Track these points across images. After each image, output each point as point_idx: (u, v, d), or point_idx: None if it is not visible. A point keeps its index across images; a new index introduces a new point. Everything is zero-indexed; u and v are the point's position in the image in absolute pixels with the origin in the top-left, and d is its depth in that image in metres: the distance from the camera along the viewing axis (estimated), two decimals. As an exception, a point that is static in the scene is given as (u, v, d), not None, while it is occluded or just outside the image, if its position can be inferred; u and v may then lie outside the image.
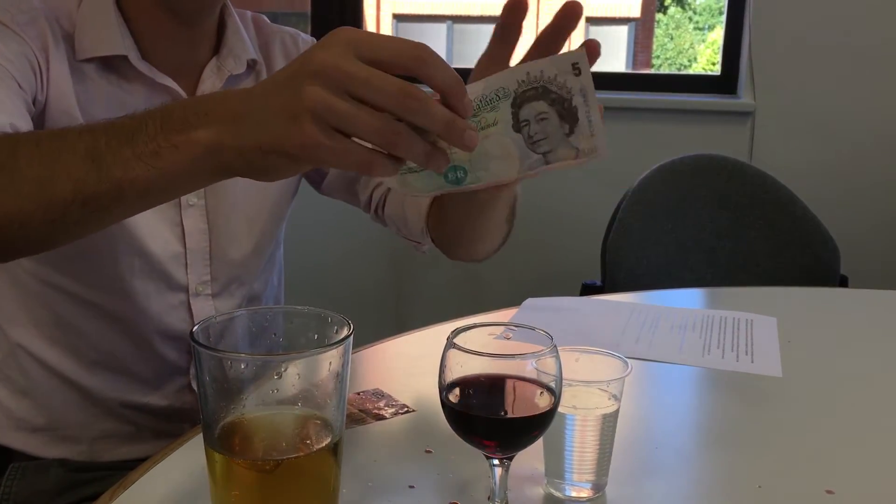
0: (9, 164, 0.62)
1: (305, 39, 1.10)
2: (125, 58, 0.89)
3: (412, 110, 0.52)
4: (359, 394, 0.86)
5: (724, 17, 2.27)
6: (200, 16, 0.93)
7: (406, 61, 0.53)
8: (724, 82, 2.28)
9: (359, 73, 0.52)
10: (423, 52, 0.53)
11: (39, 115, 0.86)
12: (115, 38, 0.89)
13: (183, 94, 0.93)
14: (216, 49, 0.98)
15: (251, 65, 1.00)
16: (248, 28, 1.04)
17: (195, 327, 0.53)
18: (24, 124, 0.78)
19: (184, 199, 0.95)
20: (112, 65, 0.90)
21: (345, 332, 0.54)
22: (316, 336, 0.56)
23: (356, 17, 2.44)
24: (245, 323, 0.57)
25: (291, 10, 10.53)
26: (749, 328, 1.09)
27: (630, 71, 10.23)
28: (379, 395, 0.86)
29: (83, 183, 0.60)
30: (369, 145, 0.54)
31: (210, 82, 0.96)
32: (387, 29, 11.02)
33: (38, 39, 0.85)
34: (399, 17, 11.17)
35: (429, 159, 0.55)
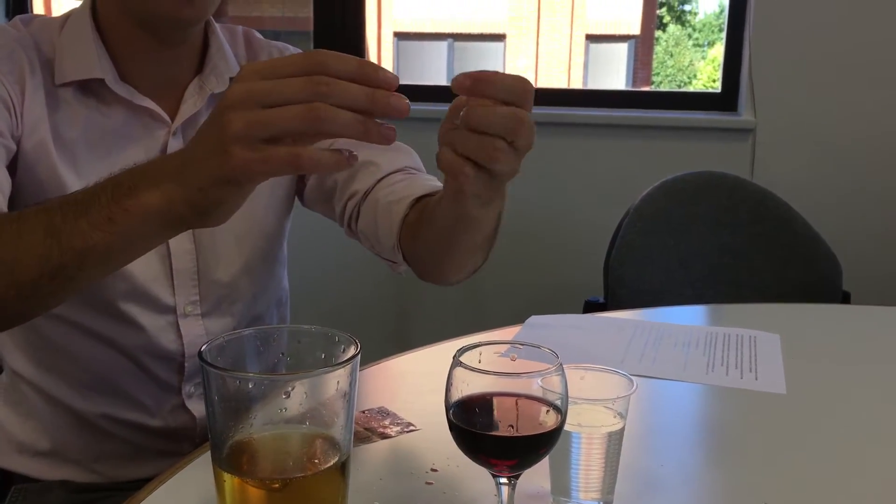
0: None
1: (293, 52, 1.08)
2: (103, 81, 0.90)
3: (327, 94, 0.55)
4: (364, 412, 0.86)
5: (723, 34, 2.28)
6: (180, 35, 0.93)
7: (307, 68, 0.56)
8: (725, 99, 2.30)
9: (265, 86, 0.56)
10: (318, 55, 0.56)
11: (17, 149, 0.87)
12: (93, 62, 0.89)
13: (163, 114, 0.93)
14: (200, 68, 0.97)
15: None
16: (237, 44, 1.04)
17: (204, 346, 0.53)
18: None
19: None
20: (90, 88, 0.91)
21: (352, 351, 0.55)
22: (323, 355, 0.57)
23: (357, 35, 2.45)
24: (253, 342, 0.58)
25: (293, 28, 10.60)
26: (752, 345, 1.09)
27: (630, 88, 10.28)
28: (384, 413, 0.86)
29: (46, 258, 0.65)
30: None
31: (192, 101, 0.95)
32: (388, 47, 11.07)
33: (12, 73, 0.87)
34: (400, 36, 11.22)
35: (366, 130, 0.56)
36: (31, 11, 2.50)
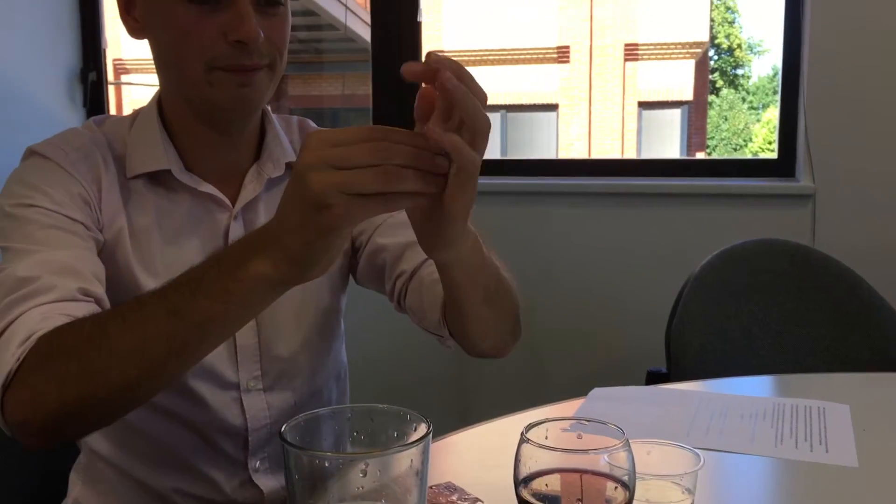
0: (104, 343, 0.73)
1: None
2: (170, 171, 0.97)
3: (385, 156, 0.64)
4: (431, 487, 0.87)
5: (778, 98, 2.29)
6: (237, 126, 1.00)
7: (368, 136, 0.65)
8: (783, 165, 2.29)
9: (337, 152, 0.64)
10: (374, 129, 0.65)
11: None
12: (160, 155, 0.97)
13: (225, 199, 1.00)
14: (257, 155, 1.04)
15: (290, 167, 1.05)
16: (292, 131, 1.11)
17: (284, 427, 0.56)
18: (93, 281, 0.86)
19: None
20: (158, 179, 0.98)
21: (423, 429, 0.57)
22: (395, 433, 0.59)
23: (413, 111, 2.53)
24: (329, 421, 0.60)
25: (352, 105, 10.90)
26: (822, 416, 1.07)
27: (685, 156, 10.26)
28: (451, 488, 0.87)
29: (172, 337, 0.72)
30: None
31: (251, 187, 1.02)
32: (442, 120, 11.28)
33: (89, 173, 0.94)
34: (454, 109, 11.45)
35: (425, 180, 0.65)
36: (107, 103, 2.65)
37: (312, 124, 1.15)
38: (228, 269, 0.70)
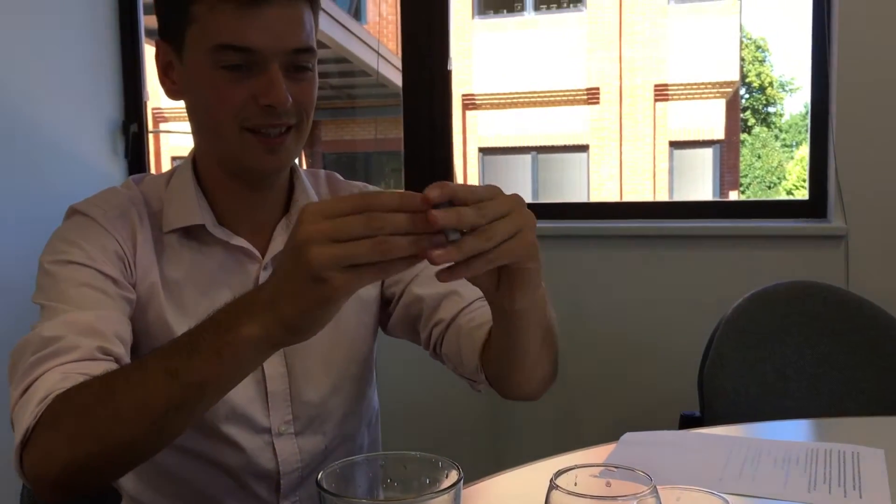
0: (109, 403, 0.78)
1: (372, 189, 1.19)
2: (203, 226, 1.02)
3: (379, 226, 0.67)
4: (464, 533, 0.88)
5: (808, 137, 2.29)
6: (267, 182, 1.05)
7: (359, 205, 0.68)
8: (814, 206, 2.29)
9: (333, 226, 0.67)
10: (366, 198, 0.68)
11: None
12: (194, 210, 1.02)
13: (256, 252, 1.04)
14: (286, 208, 1.08)
15: None
16: (319, 185, 1.15)
17: (320, 474, 0.58)
18: (114, 341, 0.90)
19: None
20: (192, 233, 1.03)
21: (454, 476, 0.59)
22: (428, 480, 0.61)
23: (446, 152, 2.56)
24: (363, 468, 0.62)
25: (385, 149, 11.03)
26: (855, 461, 1.07)
27: (717, 198, 10.20)
28: (484, 534, 0.88)
29: (170, 397, 0.76)
30: None
31: (280, 239, 1.06)
32: (473, 162, 11.38)
33: (125, 229, 1.00)
34: (485, 151, 11.54)
35: (419, 246, 0.68)
36: (147, 153, 2.73)
37: (339, 177, 1.20)
38: (221, 331, 0.74)
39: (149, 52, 2.73)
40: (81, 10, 2.49)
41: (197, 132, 1.04)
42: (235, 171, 1.02)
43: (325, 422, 1.09)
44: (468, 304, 1.08)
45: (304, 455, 1.07)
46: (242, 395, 1.02)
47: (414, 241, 0.68)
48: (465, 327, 1.06)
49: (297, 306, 0.71)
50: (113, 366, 0.87)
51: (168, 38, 0.99)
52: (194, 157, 1.07)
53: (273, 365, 1.04)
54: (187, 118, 1.03)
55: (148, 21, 2.71)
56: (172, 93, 1.01)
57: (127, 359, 0.92)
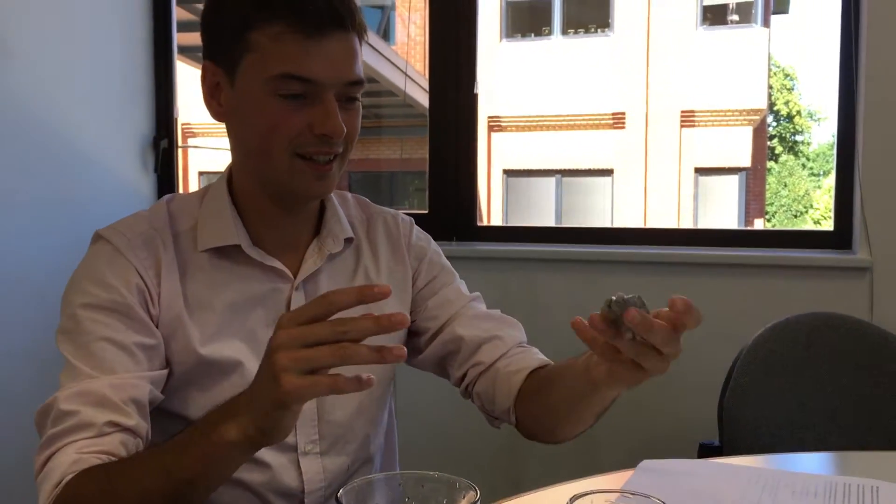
0: (111, 497, 0.84)
1: (404, 219, 1.22)
2: (239, 246, 1.03)
3: (346, 332, 0.72)
4: (479, 555, 0.89)
5: (833, 169, 2.29)
6: (302, 206, 1.07)
7: (325, 308, 0.74)
8: (839, 237, 2.27)
9: (301, 332, 0.73)
10: (328, 296, 0.74)
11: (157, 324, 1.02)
12: (230, 230, 1.03)
13: (288, 273, 1.06)
14: (317, 230, 1.10)
15: (349, 241, 1.12)
16: (348, 206, 1.17)
17: (340, 491, 0.59)
18: (125, 411, 0.93)
19: None
20: (225, 253, 1.04)
21: (472, 497, 0.60)
22: (445, 500, 0.62)
23: (469, 174, 2.58)
24: (382, 487, 0.63)
25: (410, 168, 11.08)
26: (875, 495, 1.06)
27: (742, 227, 10.15)
28: (499, 556, 0.89)
29: (163, 492, 0.82)
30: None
31: (312, 261, 1.08)
32: (497, 184, 11.40)
33: (148, 259, 1.01)
34: (509, 173, 11.57)
35: (380, 355, 0.72)
36: (176, 168, 2.77)
37: (367, 200, 1.22)
38: (206, 431, 0.81)
39: (180, 68, 2.79)
40: (117, 27, 2.54)
41: (241, 154, 1.05)
42: (279, 195, 1.04)
43: (349, 442, 1.10)
44: (508, 349, 1.14)
45: (328, 475, 1.08)
46: None
47: (376, 351, 0.72)
48: (503, 371, 1.10)
49: (262, 407, 0.76)
50: (123, 437, 0.92)
51: (219, 62, 1.00)
52: (230, 177, 1.08)
53: None
54: (217, 135, 1.05)
55: (181, 38, 2.76)
56: (218, 114, 1.02)
57: (141, 427, 0.95)
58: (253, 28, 0.95)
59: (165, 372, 1.00)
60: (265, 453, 1.03)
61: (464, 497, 0.60)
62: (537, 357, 1.14)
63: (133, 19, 2.61)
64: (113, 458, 0.89)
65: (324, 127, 0.96)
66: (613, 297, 0.77)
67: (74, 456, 0.88)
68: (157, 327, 1.00)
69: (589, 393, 0.96)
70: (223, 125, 1.05)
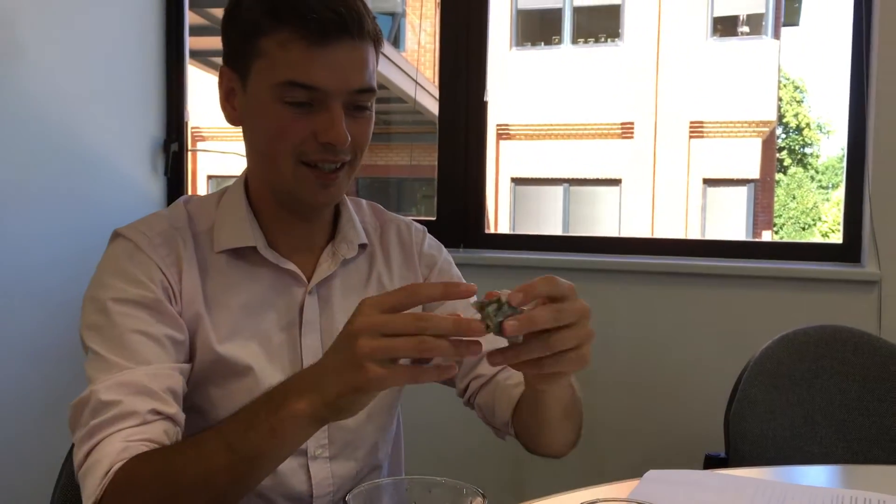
0: (171, 478, 0.84)
1: (418, 228, 1.22)
2: (254, 247, 1.04)
3: (427, 328, 0.72)
4: (484, 562, 0.89)
5: (843, 182, 2.28)
6: (316, 213, 1.07)
7: (406, 300, 0.75)
8: (848, 250, 2.27)
9: (385, 321, 0.74)
10: (411, 288, 0.76)
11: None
12: (246, 232, 1.04)
13: (302, 276, 1.06)
14: (332, 235, 1.11)
15: (363, 247, 1.13)
16: (363, 212, 1.17)
17: (348, 495, 0.59)
18: (166, 399, 0.93)
19: None
20: (241, 254, 1.04)
21: (479, 502, 0.60)
22: (452, 506, 0.62)
23: (479, 182, 2.58)
24: (390, 491, 0.63)
25: (419, 175, 11.10)
26: (882, 510, 1.06)
27: (750, 238, 10.13)
28: (504, 564, 0.89)
29: (231, 470, 0.82)
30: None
31: (326, 266, 1.08)
32: (505, 192, 11.41)
33: (170, 256, 1.01)
34: (517, 181, 11.58)
35: (458, 350, 0.73)
36: (186, 171, 2.79)
37: (382, 207, 1.22)
38: (273, 408, 0.80)
39: (192, 72, 2.80)
40: (130, 30, 2.56)
41: (253, 158, 1.06)
42: (287, 201, 1.04)
43: (358, 448, 1.10)
44: None
45: (337, 479, 1.08)
46: None
47: (455, 346, 0.73)
48: (503, 383, 1.12)
49: (337, 389, 0.77)
50: (167, 425, 0.91)
51: (233, 67, 1.01)
52: (246, 180, 1.09)
53: None
54: (226, 139, 1.06)
55: (193, 43, 2.78)
56: (232, 119, 1.03)
57: (180, 416, 0.94)
58: (263, 34, 0.95)
59: (190, 366, 1.00)
60: None
61: (471, 502, 0.60)
62: None
63: (146, 23, 2.62)
64: (156, 446, 0.88)
65: (327, 135, 0.95)
66: (484, 306, 0.75)
67: (121, 444, 0.87)
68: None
69: (538, 399, 0.98)
70: (232, 129, 1.05)
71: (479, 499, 0.59)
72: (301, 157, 0.97)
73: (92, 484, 0.86)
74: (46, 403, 2.05)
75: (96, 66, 2.39)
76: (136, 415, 0.89)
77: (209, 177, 9.64)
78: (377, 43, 1.00)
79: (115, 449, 0.87)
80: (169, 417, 0.92)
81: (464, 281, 1.21)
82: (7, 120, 2.06)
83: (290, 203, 1.04)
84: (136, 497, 0.85)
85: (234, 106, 1.02)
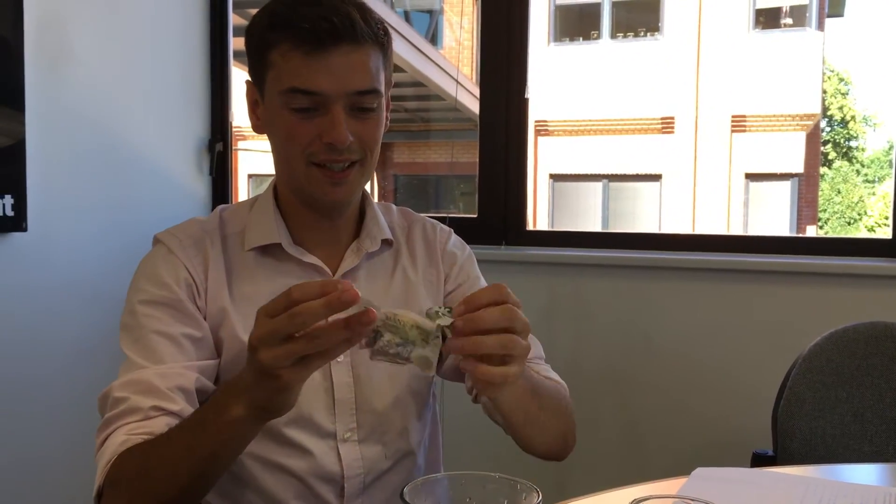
0: (148, 472, 0.92)
1: (443, 228, 1.29)
2: (280, 244, 1.12)
3: (305, 321, 0.75)
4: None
5: (892, 173, 2.23)
6: (337, 212, 1.15)
7: (285, 300, 0.77)
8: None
9: (273, 327, 0.77)
10: (293, 292, 0.77)
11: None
12: (273, 230, 1.12)
13: (327, 270, 1.14)
14: (357, 232, 1.18)
15: (387, 243, 1.20)
16: (391, 214, 1.25)
17: (405, 488, 0.60)
18: (170, 397, 1.00)
19: None
20: (269, 251, 1.13)
21: (534, 499, 0.60)
22: (506, 501, 0.62)
23: (520, 179, 2.58)
24: (445, 485, 0.64)
25: (460, 172, 11.08)
26: (937, 509, 1.04)
27: (795, 234, 9.95)
28: (553, 559, 0.89)
29: (191, 468, 0.90)
30: None
31: (350, 259, 1.16)
32: (543, 188, 11.36)
33: (197, 256, 1.10)
34: (555, 178, 11.53)
35: (351, 329, 0.76)
36: (230, 171, 2.83)
37: (410, 210, 1.29)
38: (218, 411, 0.88)
39: (236, 73, 2.84)
40: (175, 33, 2.60)
41: (276, 163, 1.14)
42: (307, 201, 1.13)
43: (385, 432, 1.15)
44: None
45: (366, 462, 1.14)
46: (311, 401, 1.10)
47: (343, 325, 0.75)
48: None
49: (264, 395, 0.83)
50: (167, 419, 0.99)
51: (254, 80, 1.11)
52: (275, 184, 1.18)
53: (340, 374, 1.12)
54: (265, 138, 1.13)
55: (236, 43, 2.81)
56: (257, 128, 1.13)
57: (184, 409, 1.01)
58: (269, 47, 1.04)
59: (215, 362, 1.09)
60: (307, 440, 1.10)
61: (525, 498, 0.61)
62: (543, 373, 1.19)
63: (191, 25, 2.66)
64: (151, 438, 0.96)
65: (329, 136, 1.03)
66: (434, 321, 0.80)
67: (123, 437, 0.97)
68: (204, 319, 1.09)
69: (495, 405, 1.03)
70: None
71: (534, 494, 0.60)
72: (311, 159, 1.06)
73: (99, 470, 0.96)
74: (92, 400, 2.10)
75: (143, 69, 2.44)
76: (139, 411, 0.99)
77: (249, 175, 9.77)
78: (380, 44, 1.06)
79: (117, 441, 0.96)
80: (172, 413, 0.99)
81: (482, 278, 1.28)
82: (60, 124, 2.11)
83: (310, 202, 1.12)
84: (123, 489, 0.94)
85: (257, 116, 1.12)
